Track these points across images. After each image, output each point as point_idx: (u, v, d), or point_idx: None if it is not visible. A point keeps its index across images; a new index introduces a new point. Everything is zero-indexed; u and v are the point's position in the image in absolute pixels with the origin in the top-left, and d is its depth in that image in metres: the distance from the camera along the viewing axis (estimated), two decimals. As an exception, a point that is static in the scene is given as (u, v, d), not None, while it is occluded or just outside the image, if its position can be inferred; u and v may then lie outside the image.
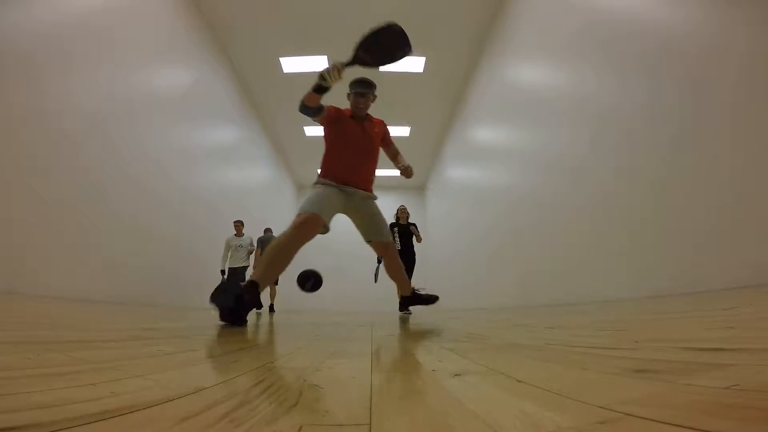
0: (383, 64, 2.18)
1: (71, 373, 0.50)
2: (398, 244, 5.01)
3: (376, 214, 2.52)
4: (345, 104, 2.54)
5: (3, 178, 2.88)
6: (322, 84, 2.09)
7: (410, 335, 1.33)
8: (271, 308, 6.56)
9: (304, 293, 2.64)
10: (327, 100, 2.26)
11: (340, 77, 2.07)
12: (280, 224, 13.30)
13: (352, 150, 2.40)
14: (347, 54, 2.09)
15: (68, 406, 0.33)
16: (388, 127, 2.71)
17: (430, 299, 3.00)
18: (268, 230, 7.09)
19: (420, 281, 13.37)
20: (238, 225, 6.36)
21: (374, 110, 2.61)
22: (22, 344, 0.77)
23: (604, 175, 3.24)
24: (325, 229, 2.18)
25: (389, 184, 13.33)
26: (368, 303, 11.81)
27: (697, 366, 0.47)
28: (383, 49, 2.19)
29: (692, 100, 2.35)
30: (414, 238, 5.51)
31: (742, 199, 2.03)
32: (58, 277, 3.33)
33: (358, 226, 2.51)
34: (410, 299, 2.93)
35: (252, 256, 6.45)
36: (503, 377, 0.49)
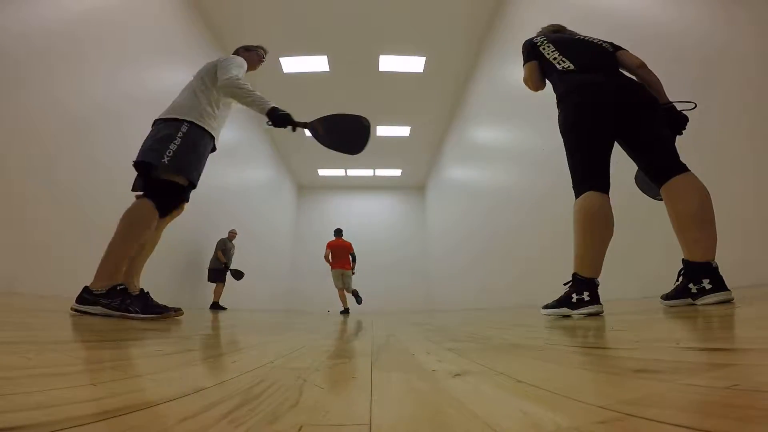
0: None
1: (71, 373, 0.50)
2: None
3: None
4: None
5: (3, 178, 2.88)
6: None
7: (410, 335, 1.33)
8: (218, 306, 6.46)
9: None
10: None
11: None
12: (282, 223, 13.16)
13: None
14: (346, 56, 2.11)
15: (68, 406, 0.33)
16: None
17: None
18: (232, 232, 6.81)
19: (424, 284, 13.16)
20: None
21: (374, 109, 2.63)
22: (22, 344, 0.77)
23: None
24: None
25: (389, 184, 13.36)
26: (370, 302, 11.81)
27: (697, 366, 0.47)
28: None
29: (694, 100, 2.35)
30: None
31: (743, 199, 2.03)
32: (58, 277, 3.33)
33: None
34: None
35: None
36: (503, 377, 0.49)
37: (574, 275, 1.72)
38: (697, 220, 1.53)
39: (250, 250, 7.63)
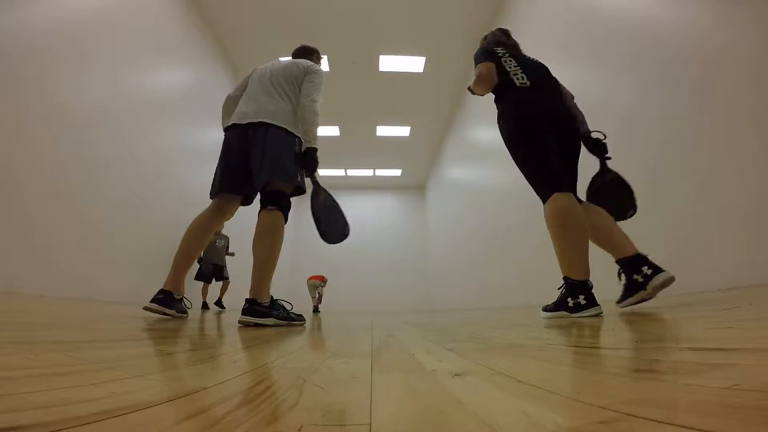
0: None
1: (71, 373, 0.50)
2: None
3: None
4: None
5: (3, 178, 2.88)
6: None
7: (410, 335, 1.33)
8: (220, 304, 6.33)
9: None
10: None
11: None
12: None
13: None
14: (346, 56, 2.12)
15: (68, 406, 0.33)
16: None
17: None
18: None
19: (423, 283, 13.19)
20: None
21: (374, 109, 2.64)
22: (22, 344, 0.77)
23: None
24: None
25: (389, 184, 13.36)
26: (370, 302, 11.82)
27: (697, 366, 0.47)
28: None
29: (693, 100, 2.35)
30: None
31: (743, 199, 2.03)
32: (58, 277, 3.33)
33: None
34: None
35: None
36: (503, 377, 0.49)
37: (566, 279, 1.73)
38: (615, 225, 1.76)
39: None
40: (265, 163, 2.00)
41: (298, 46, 2.61)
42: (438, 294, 10.89)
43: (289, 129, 2.10)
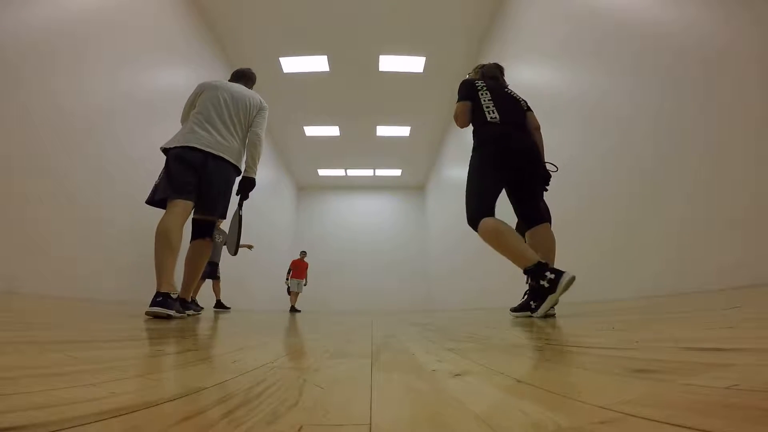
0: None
1: (71, 373, 0.50)
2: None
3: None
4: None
5: (3, 177, 2.88)
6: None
7: (410, 335, 1.33)
8: (220, 305, 6.20)
9: None
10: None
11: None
12: (282, 223, 13.11)
13: None
14: (346, 56, 2.15)
15: (68, 406, 0.33)
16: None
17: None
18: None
19: (421, 282, 13.14)
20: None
21: (374, 109, 2.72)
22: (22, 344, 0.77)
23: (600, 175, 3.24)
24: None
25: (389, 184, 13.36)
26: (370, 302, 11.82)
27: (697, 366, 0.47)
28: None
29: (692, 101, 2.35)
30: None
31: (743, 198, 2.03)
32: (58, 277, 3.33)
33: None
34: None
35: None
36: (503, 377, 0.49)
37: (526, 271, 1.89)
38: (550, 252, 2.18)
39: (250, 250, 7.62)
40: (216, 204, 2.52)
41: (297, 45, 2.73)
42: (438, 294, 10.89)
43: (238, 166, 2.62)
